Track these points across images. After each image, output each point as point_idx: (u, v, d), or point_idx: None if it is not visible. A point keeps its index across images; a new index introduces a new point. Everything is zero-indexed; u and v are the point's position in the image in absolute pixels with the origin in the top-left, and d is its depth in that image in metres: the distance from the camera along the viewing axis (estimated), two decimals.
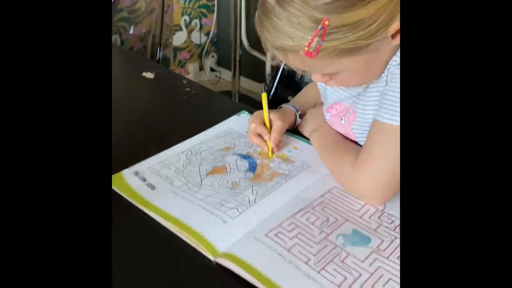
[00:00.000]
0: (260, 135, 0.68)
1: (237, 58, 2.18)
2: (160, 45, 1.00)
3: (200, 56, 2.46)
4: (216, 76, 2.52)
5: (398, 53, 0.52)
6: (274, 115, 0.68)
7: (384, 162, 0.54)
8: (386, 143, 0.53)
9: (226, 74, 2.47)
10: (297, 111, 0.72)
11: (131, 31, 1.15)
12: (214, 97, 0.87)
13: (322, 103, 0.71)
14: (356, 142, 0.64)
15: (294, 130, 0.74)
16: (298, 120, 0.72)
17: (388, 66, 0.53)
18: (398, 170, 0.54)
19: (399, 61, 0.52)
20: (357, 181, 0.56)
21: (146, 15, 1.15)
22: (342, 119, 0.64)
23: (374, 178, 0.54)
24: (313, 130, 0.69)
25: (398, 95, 0.51)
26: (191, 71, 2.43)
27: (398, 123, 0.52)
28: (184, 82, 0.89)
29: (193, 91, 0.86)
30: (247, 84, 2.35)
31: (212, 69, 2.54)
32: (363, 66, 0.52)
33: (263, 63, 2.15)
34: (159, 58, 1.00)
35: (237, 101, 2.18)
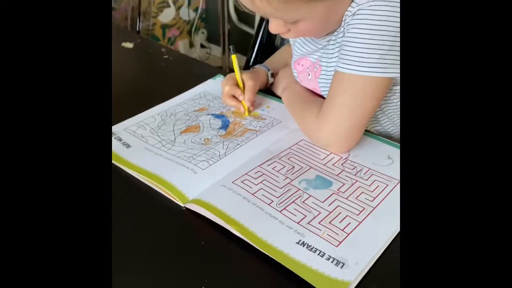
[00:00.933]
0: (234, 97, 0.70)
1: (226, 32, 2.18)
2: (139, 16, 1.01)
3: (189, 33, 2.46)
4: (207, 53, 2.52)
5: (353, 4, 0.54)
6: (246, 76, 0.70)
7: (345, 111, 0.56)
8: (346, 92, 0.56)
9: (216, 50, 2.47)
10: (269, 70, 0.74)
11: (112, 4, 1.16)
12: (191, 63, 0.89)
13: None
14: (322, 97, 0.66)
15: (267, 91, 0.76)
16: (270, 79, 0.74)
17: (344, 18, 0.55)
18: (359, 117, 0.57)
19: (353, 11, 0.53)
20: (320, 130, 0.58)
21: None
22: (309, 74, 0.66)
23: (336, 126, 0.57)
24: (284, 88, 0.72)
25: (355, 44, 0.54)
26: (181, 49, 2.43)
27: (356, 72, 0.54)
28: (163, 50, 0.91)
29: (171, 58, 0.88)
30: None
31: (202, 46, 2.54)
32: (323, 15, 0.54)
33: (252, 37, 2.15)
34: (138, 28, 1.02)
35: None
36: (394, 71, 0.53)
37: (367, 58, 0.52)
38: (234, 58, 0.71)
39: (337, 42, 0.59)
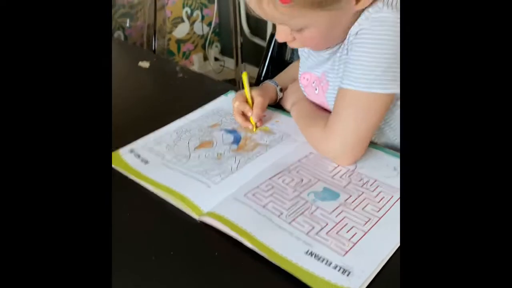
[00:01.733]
0: (243, 113, 0.73)
1: (239, 45, 2.23)
2: (155, 34, 1.06)
3: (204, 47, 2.52)
4: (221, 65, 2.58)
5: (356, 23, 0.57)
6: (255, 92, 0.73)
7: (351, 124, 0.59)
8: (350, 107, 0.59)
9: (230, 63, 2.53)
10: (277, 86, 0.77)
11: (127, 24, 1.21)
12: (204, 80, 0.93)
13: None
14: (330, 112, 0.69)
15: (277, 105, 0.79)
16: (279, 94, 0.77)
17: (348, 36, 0.58)
18: (364, 131, 0.60)
19: (356, 31, 0.56)
20: (327, 143, 0.61)
21: (141, 7, 1.20)
22: (316, 89, 0.69)
23: (342, 138, 0.60)
24: (293, 103, 0.75)
25: (357, 62, 0.57)
26: (195, 62, 2.49)
27: (359, 89, 0.57)
28: (177, 69, 0.95)
29: (185, 77, 0.92)
30: (251, 71, 2.39)
31: (216, 59, 2.60)
32: (328, 25, 0.57)
33: (264, 49, 2.19)
34: (154, 47, 1.06)
35: (241, 88, 2.23)
36: (395, 87, 0.56)
37: (368, 75, 0.55)
38: (244, 75, 0.74)
39: (341, 59, 0.62)
